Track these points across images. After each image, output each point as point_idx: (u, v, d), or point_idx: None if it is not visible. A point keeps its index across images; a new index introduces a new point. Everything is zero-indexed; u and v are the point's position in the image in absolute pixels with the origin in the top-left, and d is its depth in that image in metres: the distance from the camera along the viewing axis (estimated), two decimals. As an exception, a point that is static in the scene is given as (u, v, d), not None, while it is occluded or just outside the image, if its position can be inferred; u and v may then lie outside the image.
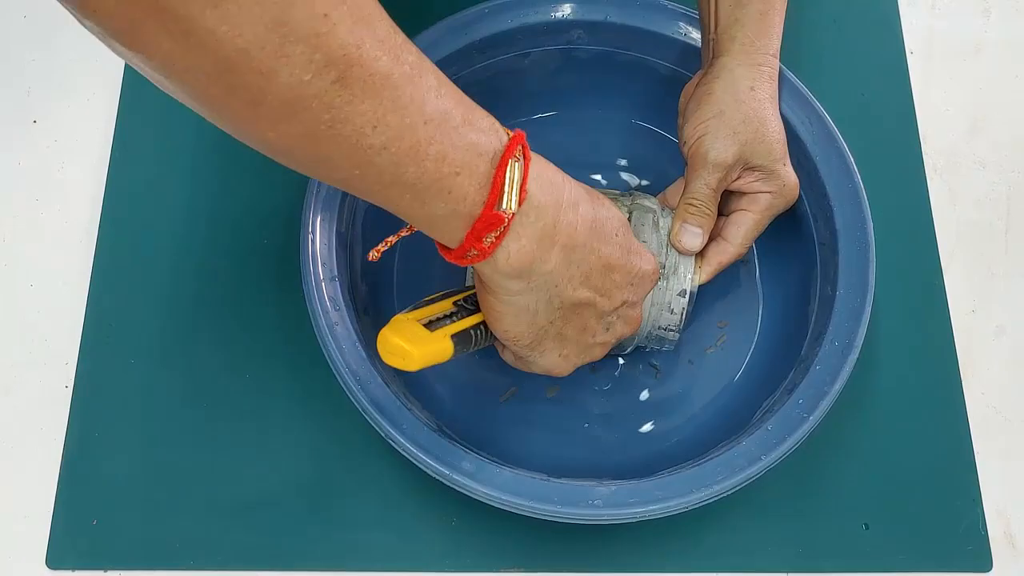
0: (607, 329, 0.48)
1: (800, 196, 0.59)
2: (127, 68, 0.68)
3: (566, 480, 0.49)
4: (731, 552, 0.57)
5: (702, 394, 0.59)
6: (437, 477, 0.49)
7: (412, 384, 0.56)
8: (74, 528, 0.57)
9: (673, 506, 0.48)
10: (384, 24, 0.34)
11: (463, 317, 0.46)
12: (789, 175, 0.55)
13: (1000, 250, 0.66)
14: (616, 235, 0.45)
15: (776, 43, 0.54)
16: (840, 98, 0.62)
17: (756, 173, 0.54)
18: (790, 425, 0.51)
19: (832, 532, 0.57)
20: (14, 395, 0.60)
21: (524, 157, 0.39)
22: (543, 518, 0.49)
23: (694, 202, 0.54)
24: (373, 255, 0.45)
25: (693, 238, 0.54)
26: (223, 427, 0.59)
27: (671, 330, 0.56)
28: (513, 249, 0.39)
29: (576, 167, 0.63)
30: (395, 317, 0.44)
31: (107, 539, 0.56)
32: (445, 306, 0.46)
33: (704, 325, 0.61)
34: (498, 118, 0.64)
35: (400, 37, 0.35)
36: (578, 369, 0.59)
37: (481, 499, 0.49)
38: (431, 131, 0.35)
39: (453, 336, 0.44)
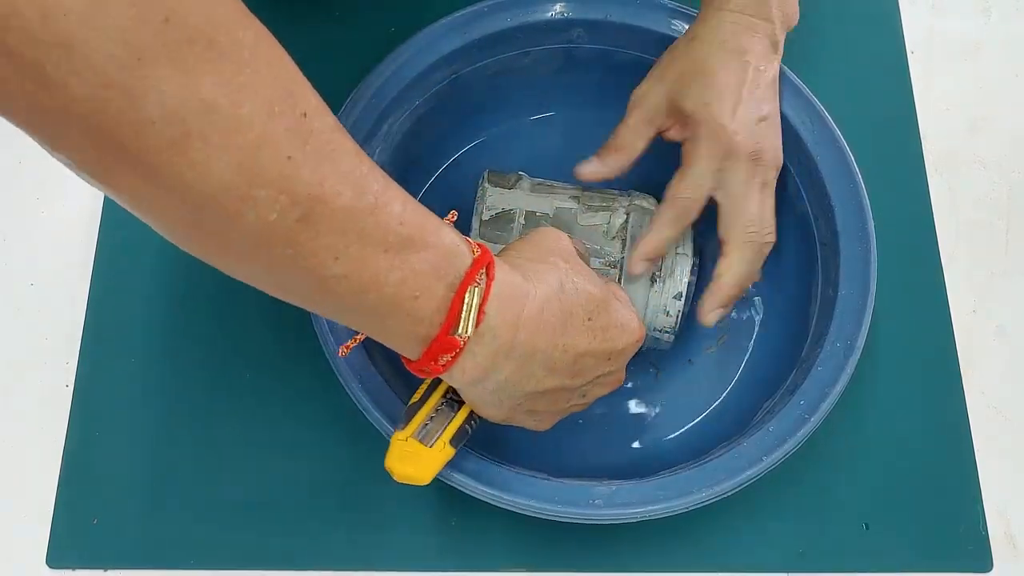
0: (583, 396, 0.47)
1: (801, 196, 0.59)
2: (127, 68, 0.68)
3: (566, 480, 0.49)
4: (731, 552, 0.57)
5: (702, 394, 0.59)
6: (438, 477, 0.49)
7: (413, 384, 0.56)
8: (74, 528, 0.57)
9: (673, 506, 0.49)
10: (349, 156, 0.34)
11: (454, 410, 0.46)
12: (710, 117, 0.51)
13: (1000, 250, 0.66)
14: (589, 320, 0.43)
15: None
16: (840, 98, 0.62)
17: (682, 120, 0.53)
18: (791, 426, 0.51)
19: (832, 532, 0.57)
20: (14, 395, 0.60)
21: (487, 277, 0.39)
22: (543, 518, 0.49)
23: (610, 138, 0.55)
24: (343, 351, 0.46)
25: (586, 166, 0.55)
26: (223, 427, 0.59)
27: (667, 331, 0.56)
28: (468, 366, 0.41)
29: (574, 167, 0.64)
30: (393, 439, 0.46)
31: (107, 539, 0.56)
32: (434, 402, 0.47)
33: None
34: (498, 119, 0.65)
35: (366, 166, 0.35)
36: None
37: (481, 499, 0.49)
38: (391, 259, 0.36)
39: (451, 440, 0.46)
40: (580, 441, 0.58)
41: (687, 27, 0.59)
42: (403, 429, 0.46)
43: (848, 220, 0.56)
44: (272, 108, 0.31)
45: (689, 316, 0.61)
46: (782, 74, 0.57)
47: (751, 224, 0.53)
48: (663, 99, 0.54)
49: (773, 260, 0.62)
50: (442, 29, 0.58)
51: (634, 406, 0.59)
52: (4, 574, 0.56)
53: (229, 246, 0.34)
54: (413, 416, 0.46)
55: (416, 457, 0.45)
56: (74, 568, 0.56)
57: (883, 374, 0.61)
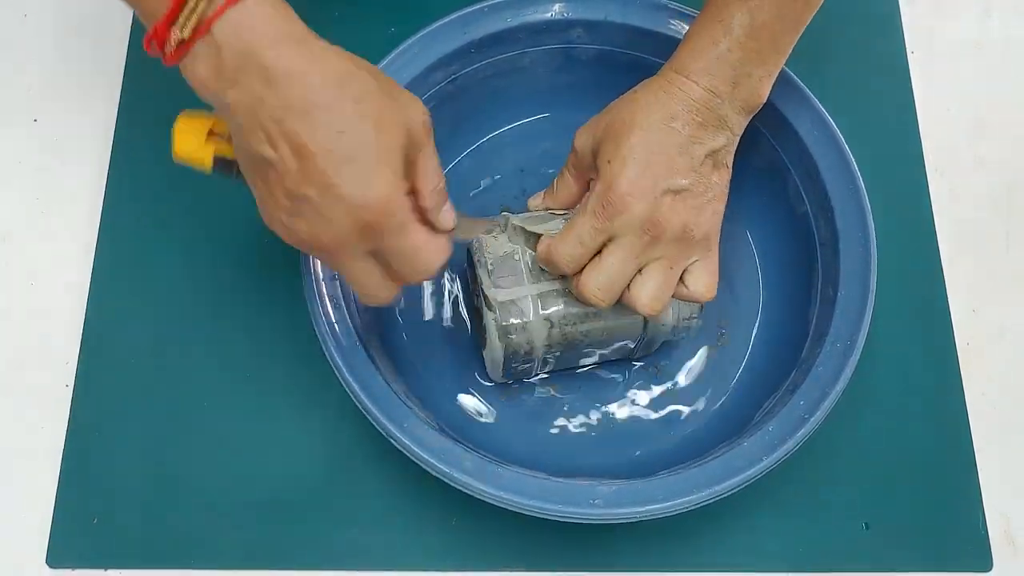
0: (291, 215, 0.43)
1: (801, 196, 0.59)
2: (127, 68, 0.68)
3: (566, 480, 0.49)
4: (731, 552, 0.57)
5: (702, 394, 0.59)
6: (438, 476, 0.49)
7: (412, 383, 0.56)
8: (74, 527, 0.57)
9: (673, 506, 0.49)
10: None
11: None
12: (606, 173, 0.50)
13: (1000, 250, 0.66)
14: (338, 133, 0.41)
15: (690, 63, 0.51)
16: (840, 98, 0.62)
17: (595, 172, 0.51)
18: (791, 426, 0.51)
19: (832, 532, 0.57)
20: (14, 395, 0.60)
21: (228, 3, 0.40)
22: (543, 518, 0.49)
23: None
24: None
25: (533, 198, 0.57)
26: (223, 427, 0.59)
27: (694, 317, 0.56)
28: (190, 71, 0.42)
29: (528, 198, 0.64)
30: (202, 110, 0.46)
31: (107, 539, 0.56)
32: None
33: (704, 325, 0.61)
34: (497, 120, 0.65)
35: None
36: (579, 370, 0.59)
37: (481, 498, 0.49)
38: None
39: (217, 155, 0.46)
40: (580, 441, 0.58)
41: (686, 28, 0.59)
42: (214, 115, 0.46)
43: (848, 220, 0.56)
44: None
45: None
46: (781, 75, 0.57)
47: (596, 285, 0.50)
48: (589, 150, 0.52)
49: (773, 260, 0.62)
50: (442, 30, 0.58)
51: (634, 406, 0.59)
52: (4, 574, 0.56)
53: None
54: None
55: (193, 132, 0.46)
56: (74, 568, 0.56)
57: (883, 374, 0.61)
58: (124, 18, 0.70)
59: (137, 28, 0.69)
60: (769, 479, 0.51)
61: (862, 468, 0.59)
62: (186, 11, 0.40)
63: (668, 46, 0.60)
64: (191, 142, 0.46)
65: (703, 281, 0.52)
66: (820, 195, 0.57)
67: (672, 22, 0.60)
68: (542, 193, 0.57)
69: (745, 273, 0.63)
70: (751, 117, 0.53)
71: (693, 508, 0.49)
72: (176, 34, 0.40)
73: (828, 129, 0.57)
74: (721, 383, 0.60)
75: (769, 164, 0.60)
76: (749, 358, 0.60)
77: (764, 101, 0.52)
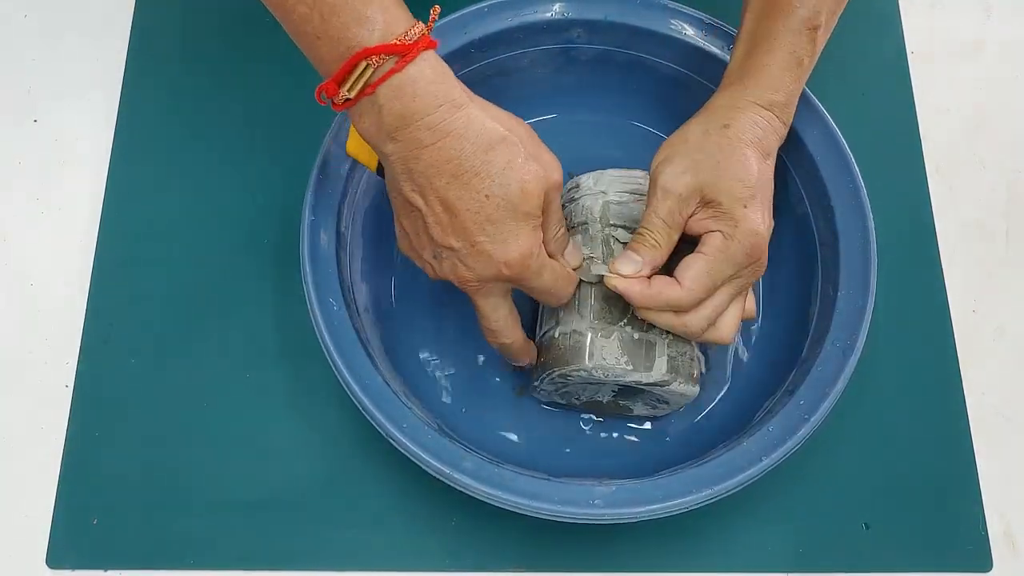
0: (436, 257, 0.49)
1: (801, 197, 0.59)
2: (127, 68, 0.68)
3: (566, 480, 0.49)
4: (731, 552, 0.57)
5: (702, 394, 0.59)
6: (438, 476, 0.49)
7: (412, 383, 0.56)
8: (74, 528, 0.57)
9: (673, 506, 0.49)
10: None
11: None
12: (748, 219, 0.49)
13: (1000, 250, 0.66)
14: (485, 197, 0.45)
15: (770, 95, 0.52)
16: (840, 98, 0.62)
17: (711, 210, 0.50)
18: (791, 426, 0.51)
19: (832, 532, 0.58)
20: (14, 395, 0.60)
21: (395, 68, 0.43)
22: (543, 518, 0.49)
23: (643, 231, 0.51)
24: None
25: (628, 264, 0.50)
26: (223, 427, 0.59)
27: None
28: (354, 117, 0.46)
29: (576, 170, 0.64)
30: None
31: (107, 539, 0.56)
32: None
33: (704, 325, 0.61)
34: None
35: None
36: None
37: (481, 499, 0.49)
38: (306, 9, 0.43)
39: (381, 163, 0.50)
40: (580, 441, 0.58)
41: (686, 28, 0.59)
42: None
43: (848, 220, 0.56)
44: None
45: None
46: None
47: (699, 288, 0.50)
48: (695, 190, 0.50)
49: (773, 260, 0.62)
50: (442, 30, 0.58)
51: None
52: (4, 574, 0.56)
53: None
54: None
55: (359, 138, 0.51)
56: (74, 568, 0.56)
57: (883, 374, 0.61)
58: (124, 18, 0.70)
59: (137, 27, 0.69)
60: (769, 479, 0.51)
61: (862, 468, 0.59)
62: (355, 75, 0.43)
63: (668, 46, 0.60)
64: (363, 148, 0.51)
65: (752, 301, 0.54)
66: (820, 195, 0.57)
67: (672, 22, 0.60)
68: (630, 254, 0.50)
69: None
70: None
71: (693, 508, 0.49)
72: (344, 93, 0.44)
73: (828, 128, 0.57)
74: (721, 383, 0.60)
75: (769, 164, 0.60)
76: (749, 358, 0.60)
77: None
